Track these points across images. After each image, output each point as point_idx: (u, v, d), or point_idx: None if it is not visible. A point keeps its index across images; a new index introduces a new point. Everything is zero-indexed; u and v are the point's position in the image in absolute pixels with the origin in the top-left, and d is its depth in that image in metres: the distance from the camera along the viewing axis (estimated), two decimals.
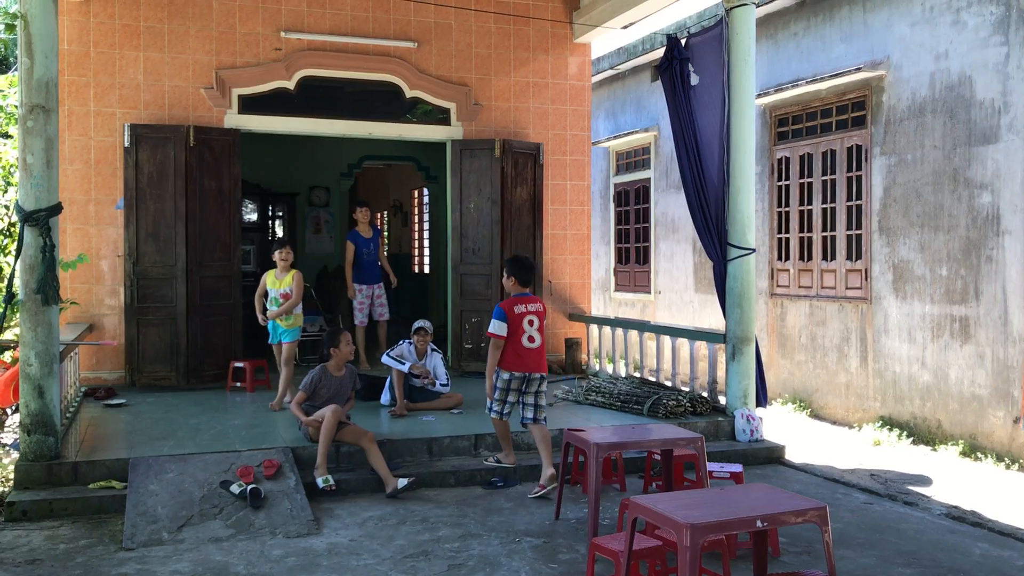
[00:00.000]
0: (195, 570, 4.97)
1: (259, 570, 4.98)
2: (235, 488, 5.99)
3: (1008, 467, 7.62)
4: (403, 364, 8.22)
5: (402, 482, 6.35)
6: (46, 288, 6.23)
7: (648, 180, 13.76)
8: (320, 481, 6.34)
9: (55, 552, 5.26)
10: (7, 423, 8.15)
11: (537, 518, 5.99)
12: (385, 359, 8.37)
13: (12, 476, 6.38)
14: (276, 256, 8.45)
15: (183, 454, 6.53)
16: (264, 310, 8.46)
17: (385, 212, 20.11)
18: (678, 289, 12.96)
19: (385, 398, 8.53)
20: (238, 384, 9.32)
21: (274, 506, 5.91)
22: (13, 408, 7.58)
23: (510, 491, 6.64)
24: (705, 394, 8.61)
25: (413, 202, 18.32)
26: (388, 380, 8.54)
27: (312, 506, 6.02)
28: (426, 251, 17.41)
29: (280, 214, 16.64)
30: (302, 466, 6.55)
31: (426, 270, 17.16)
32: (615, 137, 14.22)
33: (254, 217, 16.25)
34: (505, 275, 6.79)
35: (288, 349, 8.38)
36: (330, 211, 16.33)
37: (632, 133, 13.76)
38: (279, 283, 8.42)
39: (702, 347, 9.10)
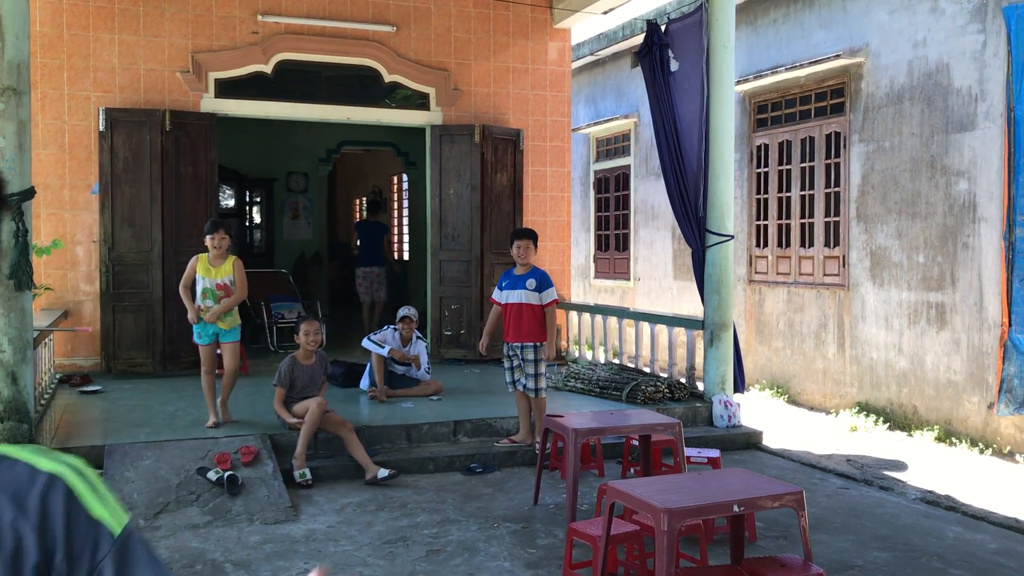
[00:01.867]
0: (172, 557, 4.93)
1: (236, 556, 4.96)
2: (212, 475, 5.95)
3: (982, 452, 7.70)
4: (383, 348, 8.20)
5: (383, 472, 6.33)
6: (19, 273, 6.15)
7: (628, 167, 13.76)
8: (297, 475, 6.30)
9: None
10: None
11: (515, 503, 6.00)
12: (366, 343, 8.34)
13: None
14: (209, 241, 6.93)
15: (159, 441, 6.49)
16: (194, 302, 6.96)
17: (364, 198, 20.03)
18: (657, 276, 12.99)
19: (365, 383, 8.51)
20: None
21: (251, 492, 5.88)
22: None
23: (489, 477, 6.64)
24: (683, 380, 8.64)
25: (392, 188, 18.25)
26: (368, 365, 8.51)
27: (290, 492, 6.00)
28: (405, 237, 17.36)
29: (258, 200, 16.54)
30: (280, 452, 6.52)
31: (405, 256, 17.12)
32: (595, 123, 14.20)
33: (232, 203, 16.15)
34: (532, 246, 6.95)
35: (234, 351, 7.04)
36: (308, 197, 16.25)
37: (612, 119, 13.75)
38: (214, 272, 6.90)
39: (680, 333, 9.12)
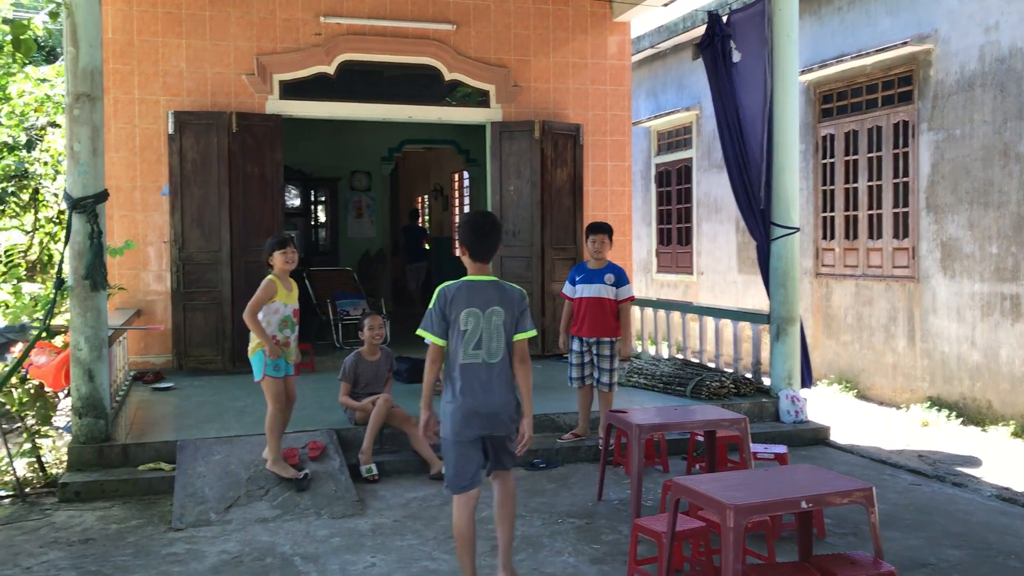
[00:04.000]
0: (242, 550, 5.05)
1: (305, 550, 5.05)
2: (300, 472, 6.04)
3: None
4: None
5: None
6: (94, 274, 6.34)
7: (690, 160, 13.63)
8: (364, 470, 6.37)
9: (107, 532, 5.38)
10: (59, 406, 8.31)
11: (579, 499, 5.99)
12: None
13: (66, 458, 6.51)
14: (280, 258, 5.94)
15: (229, 436, 6.63)
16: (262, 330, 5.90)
17: (426, 196, 20.19)
18: (721, 270, 12.85)
19: None
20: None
21: (319, 487, 5.98)
22: (65, 392, 7.71)
23: (552, 472, 6.64)
24: (749, 375, 8.54)
25: (453, 185, 18.35)
26: None
27: (356, 487, 6.08)
28: None
29: (322, 199, 16.79)
30: (346, 448, 6.61)
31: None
32: (656, 117, 14.10)
33: (297, 203, 16.42)
34: (607, 241, 6.95)
35: (294, 384, 6.19)
36: (371, 195, 16.43)
37: (673, 112, 13.63)
38: (290, 297, 6.02)
39: (746, 328, 9.01)
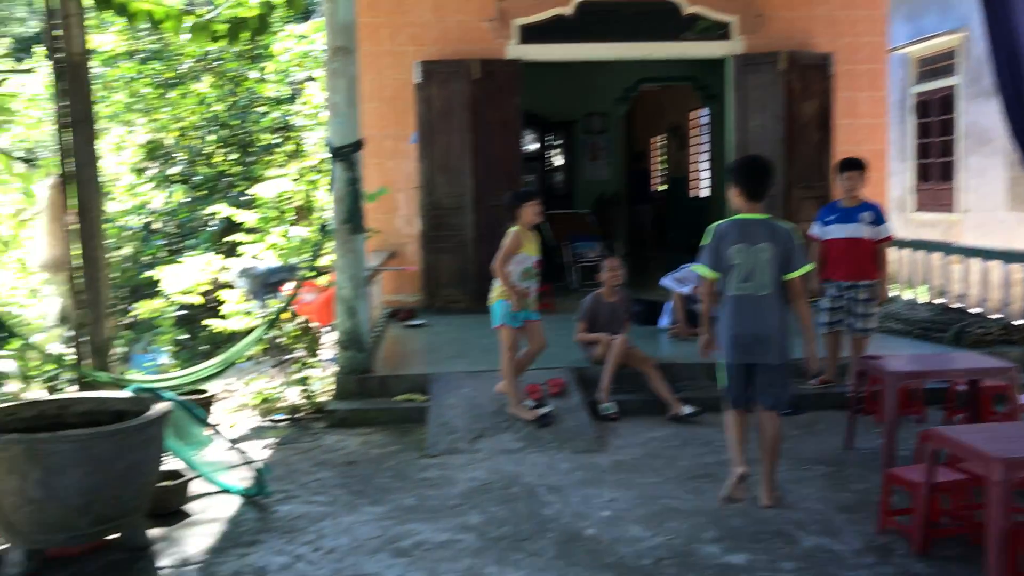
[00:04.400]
0: (490, 478, 5.30)
1: (548, 481, 5.22)
2: (527, 403, 6.27)
3: None
4: (684, 287, 8.16)
5: (687, 409, 6.36)
6: (353, 218, 6.78)
7: (953, 88, 12.51)
8: (603, 408, 6.47)
9: (368, 456, 5.82)
10: (323, 340, 9.03)
11: (826, 447, 5.79)
12: (666, 281, 8.33)
13: (330, 387, 7.08)
14: (530, 210, 6.03)
15: (476, 371, 6.95)
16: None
17: (659, 136, 19.91)
18: (988, 207, 11.77)
19: (663, 322, 8.53)
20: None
21: (560, 423, 6.14)
22: (330, 327, 8.36)
23: (797, 418, 6.43)
24: (1019, 322, 7.82)
25: (689, 124, 17.94)
26: (667, 304, 8.52)
27: (595, 424, 6.20)
28: (702, 175, 17.07)
29: (558, 142, 16.97)
30: (585, 386, 6.73)
31: (701, 194, 16.86)
32: (915, 42, 13.02)
33: (533, 147, 16.69)
34: (861, 177, 6.70)
35: (541, 329, 6.33)
36: (607, 137, 16.38)
37: (935, 36, 12.53)
38: (533, 247, 6.15)
39: (1017, 270, 8.23)
